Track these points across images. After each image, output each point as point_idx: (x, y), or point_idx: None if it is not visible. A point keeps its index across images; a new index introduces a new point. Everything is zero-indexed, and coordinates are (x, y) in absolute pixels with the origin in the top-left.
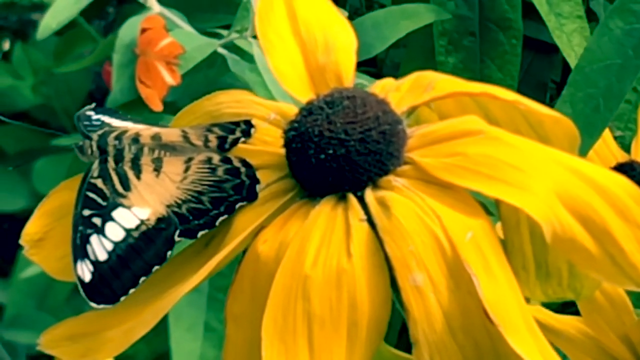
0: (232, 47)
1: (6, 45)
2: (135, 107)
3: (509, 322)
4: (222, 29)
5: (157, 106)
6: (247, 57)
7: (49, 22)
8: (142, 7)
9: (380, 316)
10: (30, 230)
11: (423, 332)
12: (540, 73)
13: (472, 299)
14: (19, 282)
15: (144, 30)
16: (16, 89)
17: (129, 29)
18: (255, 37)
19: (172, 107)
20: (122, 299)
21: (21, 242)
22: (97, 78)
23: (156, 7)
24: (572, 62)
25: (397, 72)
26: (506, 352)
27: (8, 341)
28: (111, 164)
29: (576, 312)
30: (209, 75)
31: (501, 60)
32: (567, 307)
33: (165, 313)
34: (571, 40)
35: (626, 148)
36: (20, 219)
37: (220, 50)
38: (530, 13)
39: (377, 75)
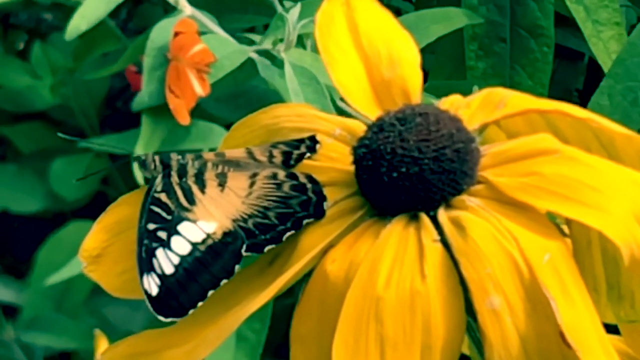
0: (262, 51)
1: (20, 45)
2: (162, 113)
3: (587, 347)
4: (249, 32)
5: (185, 119)
6: (278, 61)
7: (78, 23)
8: (159, 8)
9: (454, 339)
10: (89, 246)
11: (499, 356)
12: (566, 80)
13: (549, 323)
14: (36, 284)
15: (176, 34)
16: (34, 88)
17: (161, 31)
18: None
19: (197, 109)
20: (190, 312)
21: (79, 258)
22: (115, 79)
23: (187, 9)
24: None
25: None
26: None
27: (25, 343)
28: (174, 178)
29: (615, 331)
30: (238, 78)
31: (532, 68)
32: None
33: (231, 332)
34: (608, 47)
35: None
36: (29, 218)
37: (252, 54)
38: (555, 20)
39: None
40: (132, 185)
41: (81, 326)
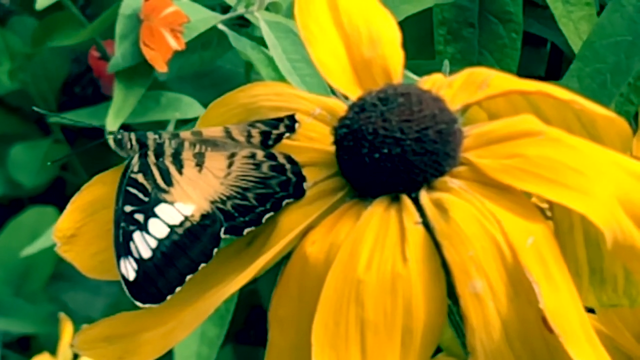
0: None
1: None
2: (138, 72)
3: (569, 332)
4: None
5: (162, 67)
6: (248, 33)
7: None
8: None
9: (435, 323)
10: (62, 226)
11: (480, 341)
12: (530, 66)
13: (531, 308)
14: None
15: None
16: None
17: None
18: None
19: (161, 88)
20: (168, 297)
21: (53, 238)
22: (73, 65)
23: None
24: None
25: None
26: None
27: None
28: (151, 158)
29: (589, 309)
30: (204, 57)
31: (500, 54)
32: None
33: (209, 315)
34: (578, 27)
35: None
36: None
37: (221, 26)
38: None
39: None
40: (92, 171)
41: (41, 311)
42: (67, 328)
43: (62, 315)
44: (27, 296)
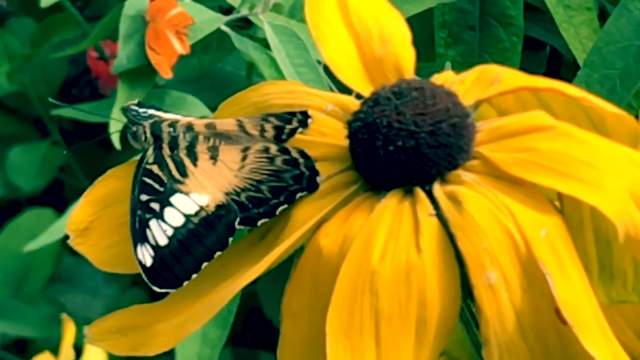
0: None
1: None
2: (141, 74)
3: (582, 323)
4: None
5: (167, 73)
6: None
7: None
8: None
9: (449, 314)
10: (76, 219)
11: (494, 332)
12: (529, 69)
13: (544, 299)
14: None
15: None
16: None
17: (135, 1)
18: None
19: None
20: (185, 283)
21: (66, 230)
22: (70, 67)
23: None
24: (579, 55)
25: None
26: (576, 354)
27: None
28: (166, 150)
29: None
30: (203, 61)
31: (501, 57)
32: None
33: (222, 307)
34: (579, 32)
35: None
36: None
37: (224, 28)
38: None
39: None
40: (90, 174)
41: (39, 313)
42: (69, 329)
43: (65, 316)
44: (26, 298)
